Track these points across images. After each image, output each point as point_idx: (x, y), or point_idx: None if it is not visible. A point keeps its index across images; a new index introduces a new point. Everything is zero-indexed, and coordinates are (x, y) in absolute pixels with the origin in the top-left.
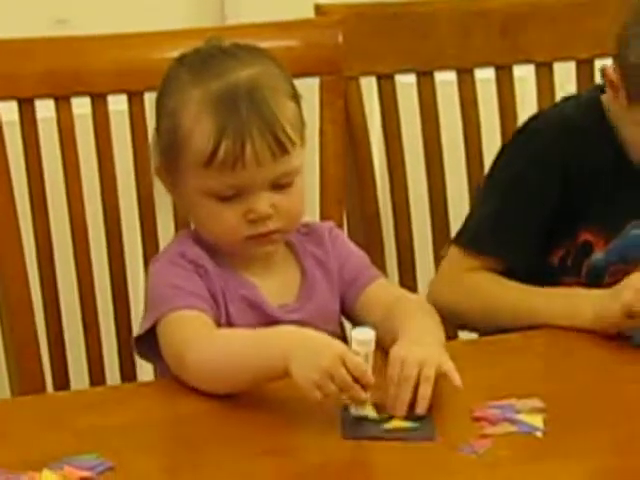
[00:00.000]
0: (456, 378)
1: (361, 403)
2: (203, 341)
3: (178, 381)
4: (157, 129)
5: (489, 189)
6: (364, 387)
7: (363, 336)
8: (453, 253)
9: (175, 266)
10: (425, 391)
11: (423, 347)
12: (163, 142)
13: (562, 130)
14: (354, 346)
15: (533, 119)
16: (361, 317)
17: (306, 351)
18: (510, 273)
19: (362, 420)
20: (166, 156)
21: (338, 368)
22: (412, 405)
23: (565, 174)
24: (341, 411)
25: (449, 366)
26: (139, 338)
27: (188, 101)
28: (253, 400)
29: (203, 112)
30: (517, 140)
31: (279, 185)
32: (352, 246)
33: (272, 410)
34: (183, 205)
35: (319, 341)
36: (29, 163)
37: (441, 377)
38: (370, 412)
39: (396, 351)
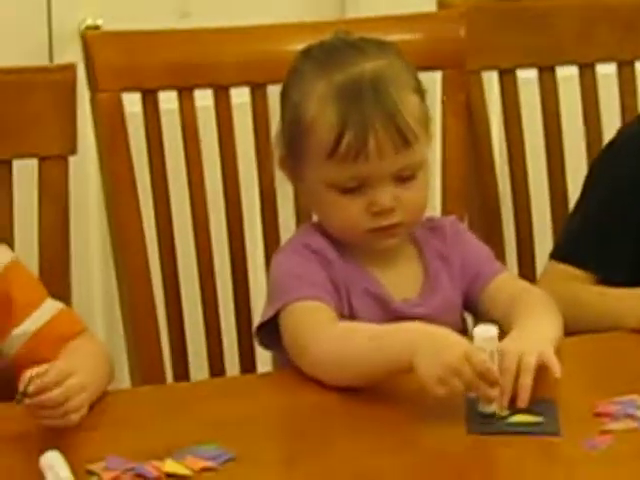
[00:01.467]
0: (556, 369)
1: (489, 401)
2: (326, 333)
3: (298, 372)
4: (281, 121)
5: (588, 198)
6: (491, 384)
7: (487, 333)
8: (551, 266)
9: (299, 256)
10: (524, 381)
11: (526, 339)
12: (287, 134)
13: None
14: (478, 343)
15: (628, 125)
16: (485, 311)
17: (431, 347)
18: (608, 284)
19: (487, 415)
20: (289, 148)
21: (463, 365)
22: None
23: None
24: (465, 406)
25: (549, 356)
26: (261, 327)
27: (312, 93)
28: (375, 394)
29: (326, 104)
30: (615, 147)
31: (402, 178)
32: (475, 240)
33: (395, 404)
34: (305, 196)
35: (444, 337)
36: (152, 154)
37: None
38: (497, 408)
39: (501, 343)
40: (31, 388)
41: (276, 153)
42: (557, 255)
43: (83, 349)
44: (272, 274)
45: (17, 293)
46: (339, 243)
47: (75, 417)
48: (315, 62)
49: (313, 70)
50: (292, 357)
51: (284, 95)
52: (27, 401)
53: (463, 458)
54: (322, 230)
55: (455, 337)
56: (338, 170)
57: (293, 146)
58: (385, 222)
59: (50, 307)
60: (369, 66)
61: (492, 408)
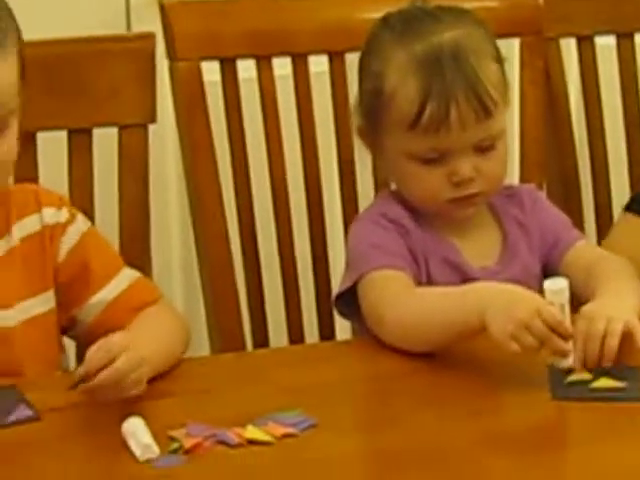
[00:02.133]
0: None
1: (563, 354)
2: (401, 300)
3: (377, 340)
4: (359, 90)
5: None
6: (564, 338)
7: (556, 286)
8: (625, 218)
9: (376, 225)
10: (611, 343)
11: (611, 307)
12: (366, 103)
13: None
14: (548, 297)
15: None
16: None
17: (501, 303)
18: None
19: (570, 381)
20: (368, 117)
21: (534, 319)
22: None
23: None
24: (548, 372)
25: (634, 325)
26: (339, 297)
27: (392, 62)
28: (455, 360)
29: (407, 74)
30: None
31: (482, 148)
32: (553, 208)
33: (476, 370)
34: (385, 166)
35: (514, 293)
36: (230, 123)
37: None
38: (577, 371)
39: (585, 308)
40: (82, 370)
41: (355, 122)
42: (632, 207)
43: (156, 317)
44: (350, 244)
45: (94, 261)
46: (417, 212)
47: (135, 392)
48: (394, 31)
49: (392, 39)
50: (370, 326)
51: (362, 64)
52: (81, 386)
53: (547, 425)
54: (400, 199)
55: (525, 292)
56: (419, 141)
57: (372, 116)
58: (465, 192)
59: (127, 276)
60: (448, 35)
61: (568, 363)
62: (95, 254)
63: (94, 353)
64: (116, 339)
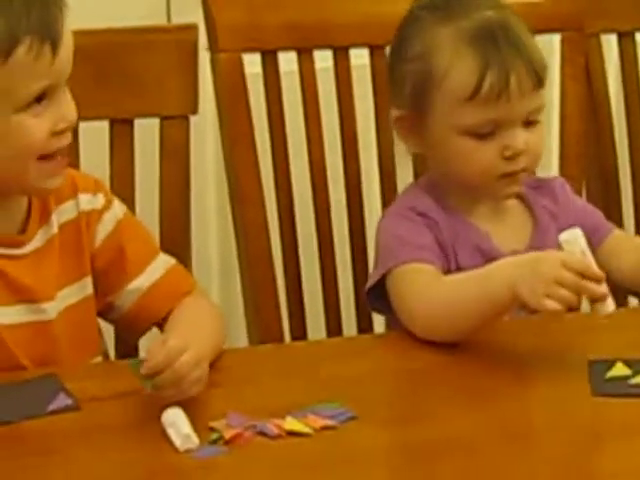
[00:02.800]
0: None
1: (602, 298)
2: (430, 292)
3: (411, 334)
4: (396, 78)
5: None
6: (596, 281)
7: (571, 235)
8: None
9: (404, 219)
10: None
11: None
12: (410, 86)
13: None
14: (566, 248)
15: None
16: (608, 264)
17: (526, 270)
18: None
19: (610, 376)
20: (412, 100)
21: (561, 271)
22: None
23: None
24: (588, 367)
25: None
26: (370, 291)
27: (440, 40)
28: (492, 353)
29: (461, 48)
30: None
31: (529, 122)
32: (585, 202)
33: (513, 364)
34: (429, 149)
35: (534, 257)
36: (271, 115)
37: None
38: (618, 365)
39: None
40: (142, 371)
41: (392, 114)
42: None
43: (196, 310)
44: (379, 238)
45: (130, 248)
46: (446, 201)
47: (195, 390)
48: (433, 12)
49: (434, 20)
50: (401, 320)
51: (400, 49)
52: (148, 390)
53: (586, 419)
54: (428, 190)
55: (543, 252)
56: (476, 113)
57: (418, 98)
58: (515, 167)
59: (163, 262)
60: (491, 13)
61: (610, 307)
62: (131, 240)
63: (153, 355)
64: (173, 343)
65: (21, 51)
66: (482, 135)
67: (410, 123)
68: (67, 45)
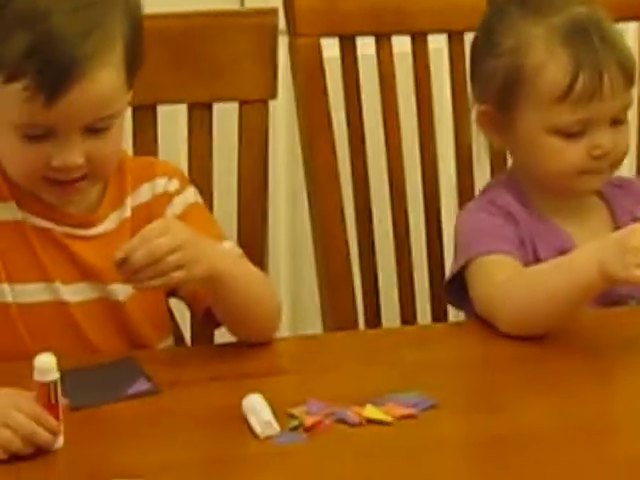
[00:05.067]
0: None
1: None
2: (513, 283)
3: (488, 323)
4: (482, 71)
5: None
6: None
7: None
8: None
9: (484, 212)
10: None
11: None
12: (498, 81)
13: None
14: None
15: None
16: None
17: (613, 248)
18: None
19: None
20: (500, 96)
21: None
22: None
23: None
24: None
25: None
26: (449, 285)
27: (532, 37)
28: (570, 345)
29: (555, 46)
30: None
31: (616, 121)
32: None
33: (590, 356)
34: (514, 145)
35: (619, 235)
36: (349, 100)
37: None
38: None
39: None
40: (120, 253)
41: (475, 108)
42: None
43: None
44: (458, 231)
45: (196, 229)
46: (527, 199)
47: (176, 275)
48: (524, 8)
49: (523, 15)
50: (481, 312)
51: (488, 44)
52: (119, 269)
53: None
54: (512, 186)
55: (627, 228)
56: (568, 113)
57: (506, 94)
58: (602, 165)
59: (230, 247)
60: (581, 9)
61: None
62: (197, 225)
63: (134, 238)
64: (154, 224)
65: (18, 86)
66: (571, 134)
67: (495, 118)
68: (80, 96)
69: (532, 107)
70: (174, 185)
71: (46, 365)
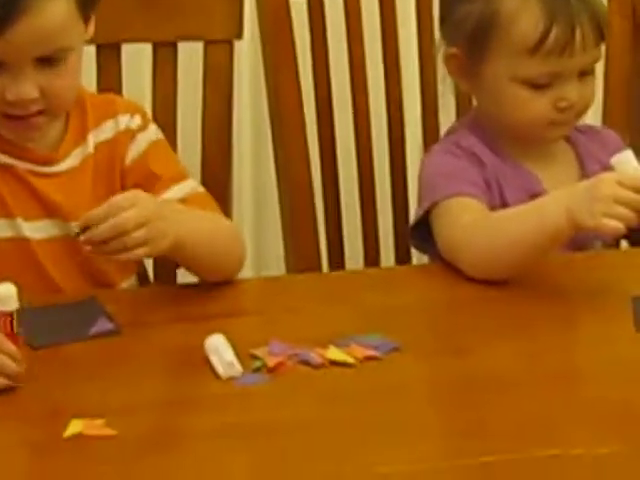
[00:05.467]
0: None
1: None
2: (480, 226)
3: (452, 267)
4: (453, 14)
5: None
6: None
7: (621, 157)
8: None
9: (449, 154)
10: None
11: None
12: (470, 26)
13: None
14: (618, 169)
15: None
16: None
17: (582, 193)
18: None
19: None
20: (470, 42)
21: (619, 190)
22: None
23: None
24: (632, 303)
25: None
26: (413, 229)
27: None
28: (533, 289)
29: None
30: None
31: (583, 73)
32: None
33: (555, 302)
34: (480, 91)
35: (588, 183)
36: (314, 41)
37: None
38: None
39: None
40: (81, 221)
41: (444, 49)
42: None
43: (208, 213)
44: (422, 174)
45: (159, 169)
46: (493, 142)
47: (141, 251)
48: None
49: None
50: (446, 255)
51: None
52: (81, 238)
53: (630, 357)
54: (475, 127)
55: (597, 176)
56: (537, 66)
57: (477, 40)
58: (568, 116)
59: (192, 186)
60: None
61: None
62: (161, 162)
63: (99, 207)
64: (121, 196)
65: None
66: (538, 86)
67: (463, 63)
68: (26, 28)
69: (501, 55)
70: (136, 122)
71: (6, 294)
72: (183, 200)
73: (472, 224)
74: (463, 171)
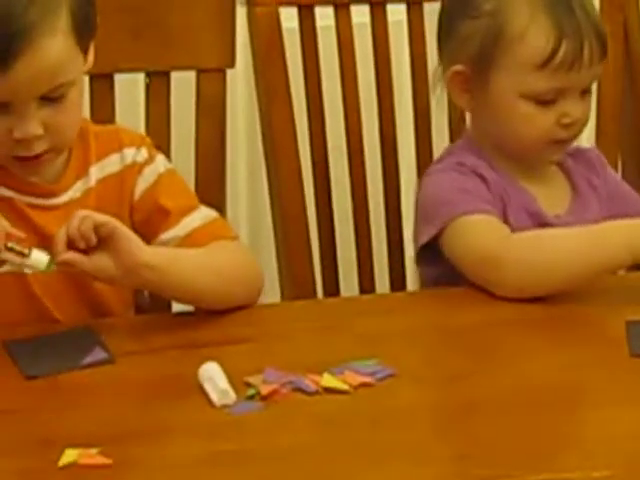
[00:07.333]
0: None
1: None
2: (517, 240)
3: (450, 292)
4: (458, 31)
5: None
6: None
7: None
8: None
9: (456, 173)
10: None
11: None
12: (476, 42)
13: None
14: None
15: None
16: None
17: None
18: None
19: None
20: (477, 57)
21: None
22: None
23: None
24: (626, 328)
25: None
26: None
27: (514, 1)
28: (526, 314)
29: (538, 12)
30: None
31: (585, 91)
32: (618, 176)
33: (551, 327)
34: (485, 107)
35: None
36: (307, 70)
37: None
38: None
39: None
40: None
41: (447, 68)
42: None
43: (221, 246)
44: (426, 194)
45: (169, 202)
46: (492, 161)
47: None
48: None
49: None
50: (475, 273)
51: (467, 5)
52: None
53: (625, 380)
54: (473, 148)
55: None
56: (545, 81)
57: (484, 55)
58: (570, 134)
59: (202, 215)
60: None
61: None
62: (170, 194)
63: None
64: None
65: None
66: (544, 102)
67: (468, 79)
68: (27, 66)
69: (509, 71)
70: (143, 155)
71: None
72: (198, 228)
73: (517, 238)
74: (475, 188)
